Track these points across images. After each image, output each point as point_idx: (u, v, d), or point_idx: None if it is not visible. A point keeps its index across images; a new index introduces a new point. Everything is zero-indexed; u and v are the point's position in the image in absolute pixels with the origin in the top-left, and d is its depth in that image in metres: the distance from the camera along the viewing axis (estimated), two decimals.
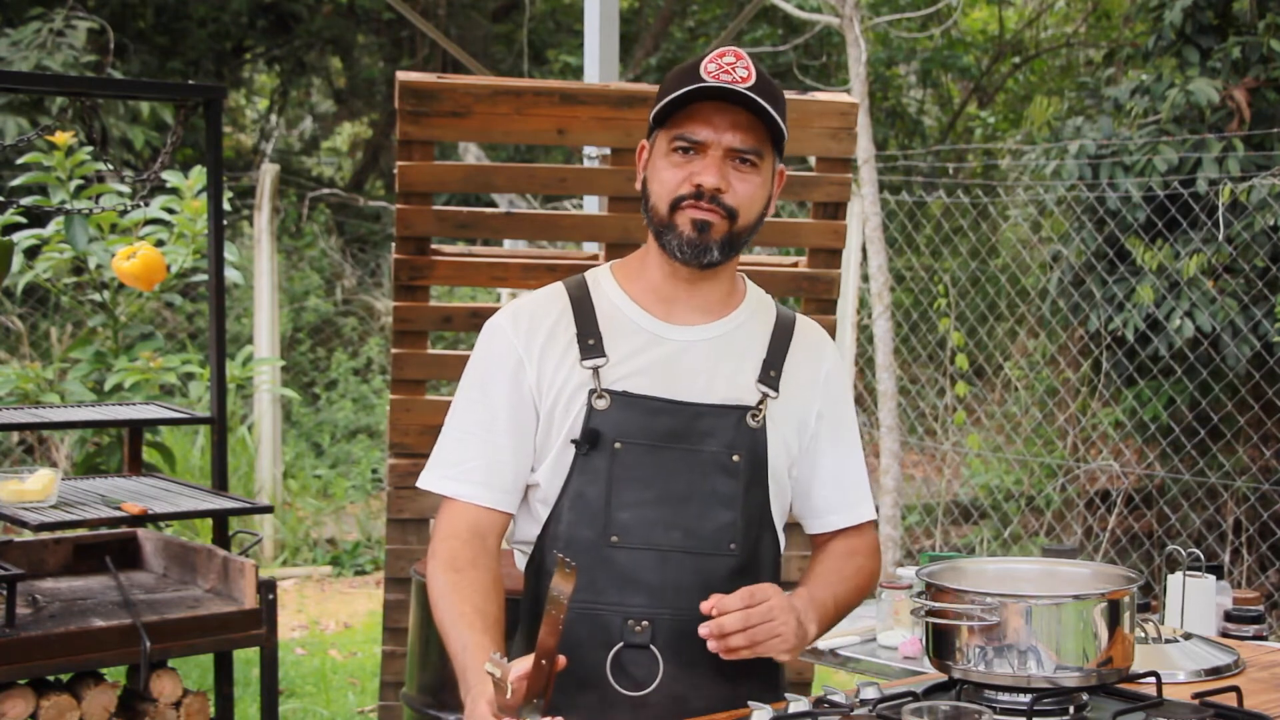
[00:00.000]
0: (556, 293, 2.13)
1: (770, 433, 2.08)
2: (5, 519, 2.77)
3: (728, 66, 2.00)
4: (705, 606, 1.92)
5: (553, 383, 2.05)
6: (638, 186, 2.11)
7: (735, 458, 2.05)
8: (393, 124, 8.46)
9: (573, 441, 2.03)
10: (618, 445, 2.02)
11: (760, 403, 2.08)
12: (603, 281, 2.14)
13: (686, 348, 2.08)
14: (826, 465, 2.18)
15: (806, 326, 2.20)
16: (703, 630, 1.92)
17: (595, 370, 2.04)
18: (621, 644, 2.01)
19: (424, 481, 2.12)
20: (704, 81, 1.98)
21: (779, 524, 2.14)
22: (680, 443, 2.04)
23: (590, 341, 2.06)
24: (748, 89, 1.98)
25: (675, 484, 2.03)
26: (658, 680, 2.01)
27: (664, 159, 2.04)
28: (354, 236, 11.20)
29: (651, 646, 2.01)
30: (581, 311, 2.09)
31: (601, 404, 2.03)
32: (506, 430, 2.07)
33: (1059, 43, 11.10)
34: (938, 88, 11.63)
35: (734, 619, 1.91)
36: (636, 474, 2.03)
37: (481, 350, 2.12)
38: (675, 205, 2.02)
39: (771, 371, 2.11)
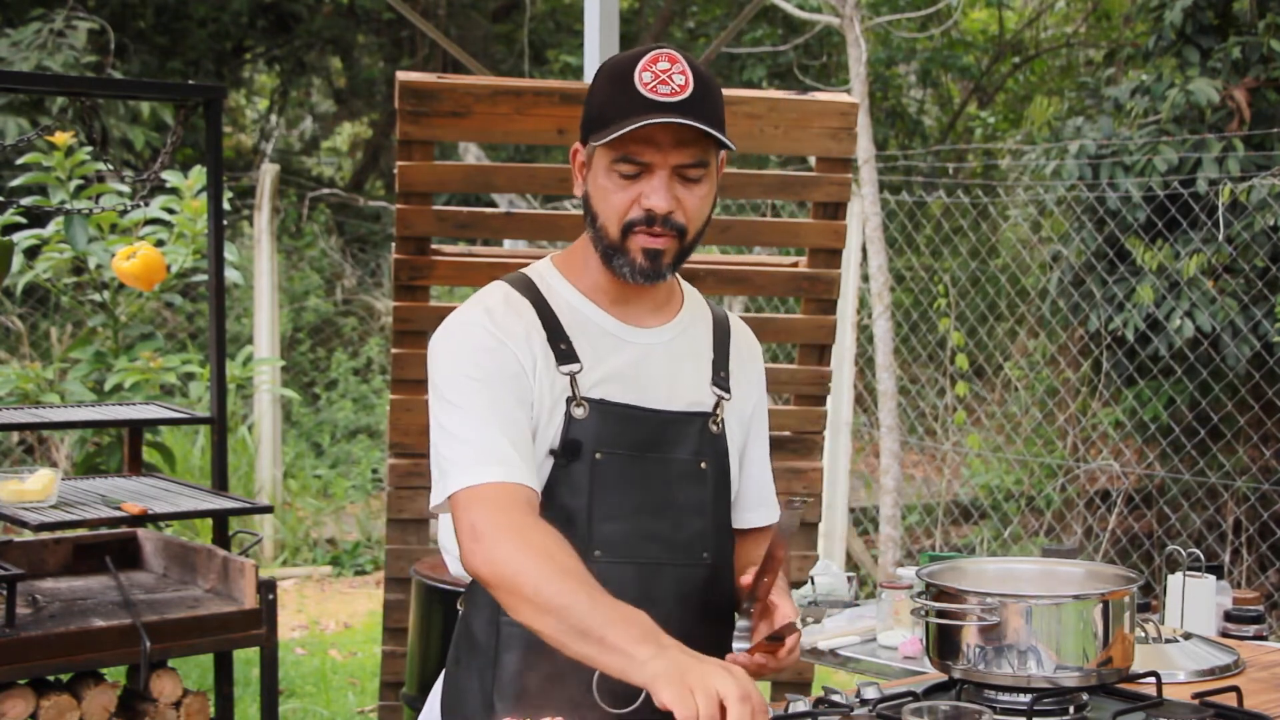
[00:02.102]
0: (510, 294, 2.01)
1: (728, 437, 2.08)
2: (5, 519, 2.78)
3: (664, 75, 1.92)
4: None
5: (539, 387, 1.96)
6: (578, 194, 2.03)
7: (703, 465, 2.03)
8: (393, 124, 8.46)
9: (551, 452, 1.97)
10: (597, 455, 1.97)
11: (717, 406, 2.07)
12: (549, 279, 2.05)
13: (647, 351, 2.04)
14: (751, 461, 2.17)
15: (738, 324, 2.20)
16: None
17: (573, 376, 1.98)
18: None
19: (436, 497, 1.94)
20: (641, 94, 1.90)
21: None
22: (653, 451, 2.00)
23: (563, 346, 1.98)
24: (687, 98, 1.91)
25: (651, 494, 1.99)
26: (642, 697, 1.98)
27: (607, 177, 1.95)
28: (354, 236, 11.20)
29: None
30: (544, 313, 2.00)
31: (580, 413, 1.97)
32: (517, 405, 1.93)
33: (1059, 43, 11.10)
34: (938, 88, 11.63)
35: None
36: (616, 485, 1.98)
37: (462, 345, 1.97)
38: (626, 230, 1.95)
39: (721, 372, 2.09)
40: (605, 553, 1.97)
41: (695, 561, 2.02)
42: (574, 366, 1.97)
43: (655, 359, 2.04)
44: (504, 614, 1.97)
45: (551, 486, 1.97)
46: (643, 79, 1.92)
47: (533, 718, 1.91)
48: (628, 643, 1.70)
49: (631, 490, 1.99)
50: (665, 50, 1.96)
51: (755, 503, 2.18)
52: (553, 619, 1.75)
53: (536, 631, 1.79)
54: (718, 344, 2.12)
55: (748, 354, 2.17)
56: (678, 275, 2.13)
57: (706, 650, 1.96)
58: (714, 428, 2.05)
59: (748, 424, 2.15)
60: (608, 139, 1.92)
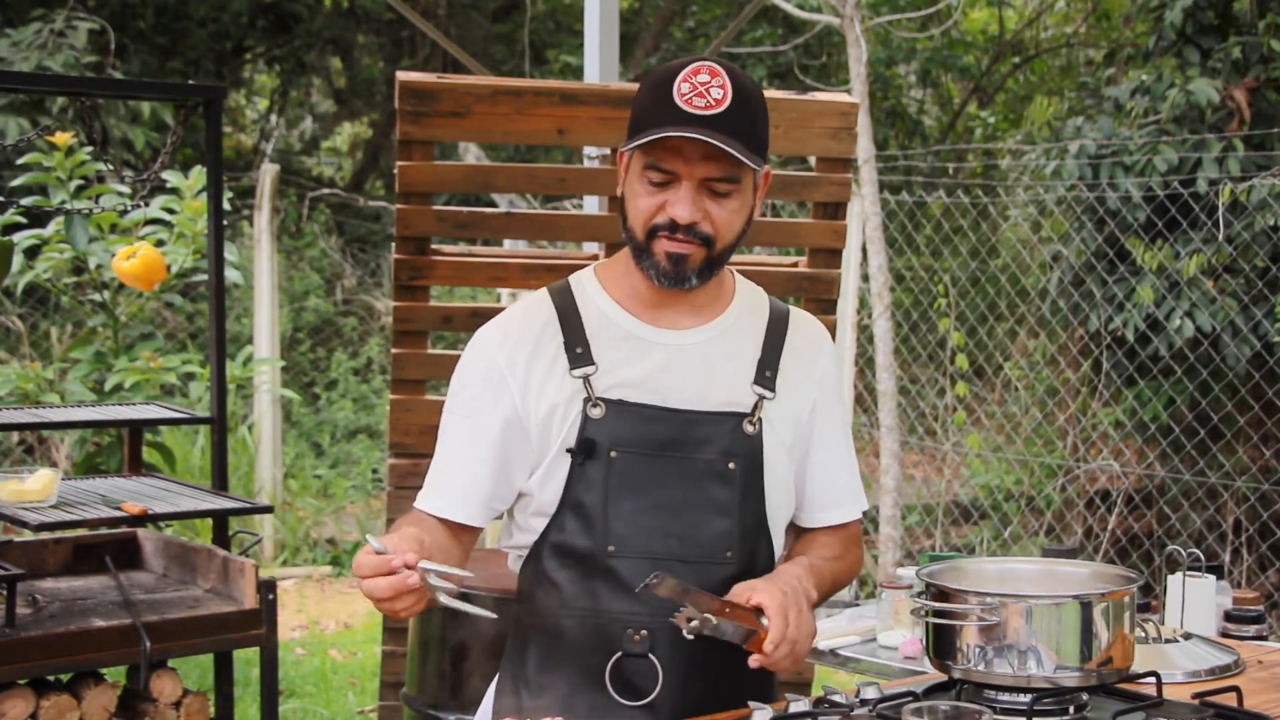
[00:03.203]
0: (541, 301, 2.10)
1: (767, 437, 2.06)
2: (5, 519, 2.78)
3: (701, 88, 1.93)
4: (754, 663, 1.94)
5: (542, 395, 2.03)
6: (618, 193, 2.07)
7: (731, 465, 2.04)
8: (393, 124, 8.47)
9: (568, 451, 2.01)
10: (613, 454, 2.00)
11: (756, 406, 2.06)
12: (588, 286, 2.11)
13: (677, 352, 2.06)
14: (817, 462, 2.16)
15: (802, 321, 2.18)
16: (754, 662, 1.94)
17: (586, 379, 2.02)
18: (620, 653, 2.00)
19: (418, 502, 2.12)
20: (676, 105, 1.92)
21: (777, 528, 2.12)
22: (675, 451, 2.02)
23: (578, 350, 2.04)
24: (721, 113, 1.92)
25: (671, 492, 2.01)
26: (657, 689, 2.00)
27: (638, 182, 1.99)
28: (354, 236, 11.20)
29: (651, 656, 2.00)
30: (567, 319, 2.06)
31: (596, 413, 2.01)
32: (489, 445, 2.04)
33: (1059, 43, 11.10)
34: (938, 88, 11.63)
35: (782, 655, 1.93)
36: (632, 483, 2.01)
37: (468, 365, 2.09)
38: (651, 234, 1.99)
39: (767, 372, 2.09)
40: (619, 548, 2.01)
41: (717, 560, 2.03)
42: (587, 370, 2.03)
43: (687, 360, 2.06)
44: (525, 614, 2.09)
45: (570, 484, 2.02)
46: (680, 89, 1.94)
47: (532, 718, 1.92)
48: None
49: (648, 488, 2.01)
50: (709, 63, 1.97)
51: (827, 502, 2.18)
52: None
53: None
54: (769, 342, 2.11)
55: (809, 351, 2.15)
56: (735, 274, 2.17)
57: (732, 649, 1.98)
58: (749, 428, 2.05)
59: (807, 423, 2.13)
60: (633, 145, 1.96)
